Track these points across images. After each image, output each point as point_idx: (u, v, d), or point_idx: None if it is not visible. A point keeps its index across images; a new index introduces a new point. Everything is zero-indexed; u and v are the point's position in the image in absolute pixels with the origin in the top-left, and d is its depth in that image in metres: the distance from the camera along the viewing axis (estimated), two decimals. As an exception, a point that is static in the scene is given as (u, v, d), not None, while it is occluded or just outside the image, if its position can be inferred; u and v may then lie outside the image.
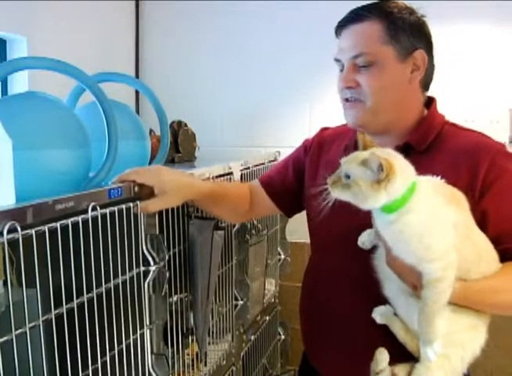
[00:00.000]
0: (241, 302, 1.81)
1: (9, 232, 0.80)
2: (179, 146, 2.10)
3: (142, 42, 2.94)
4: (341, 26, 1.24)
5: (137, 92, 2.76)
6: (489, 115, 2.62)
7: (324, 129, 1.47)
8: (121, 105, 1.38)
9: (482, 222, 1.10)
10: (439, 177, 1.07)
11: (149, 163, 1.43)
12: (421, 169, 1.05)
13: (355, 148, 1.17)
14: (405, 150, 1.18)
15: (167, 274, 1.22)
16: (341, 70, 1.24)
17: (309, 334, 1.39)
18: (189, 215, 1.42)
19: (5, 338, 0.82)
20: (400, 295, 1.12)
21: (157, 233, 1.24)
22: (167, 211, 1.33)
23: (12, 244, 0.82)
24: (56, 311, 0.93)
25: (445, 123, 1.26)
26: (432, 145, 1.20)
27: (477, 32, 2.61)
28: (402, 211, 0.99)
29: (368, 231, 1.14)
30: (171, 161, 2.03)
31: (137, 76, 2.89)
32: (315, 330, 1.35)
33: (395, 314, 1.15)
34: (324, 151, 1.39)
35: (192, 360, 1.50)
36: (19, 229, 0.82)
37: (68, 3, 2.29)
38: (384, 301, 1.15)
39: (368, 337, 1.19)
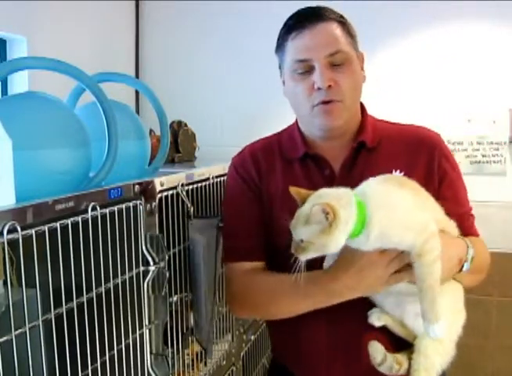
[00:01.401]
0: (241, 302, 1.81)
1: (8, 232, 0.80)
2: (179, 146, 2.10)
3: (142, 42, 2.94)
4: (298, 26, 1.19)
5: (137, 92, 2.76)
6: (489, 115, 2.62)
7: (249, 153, 1.34)
8: (121, 105, 1.38)
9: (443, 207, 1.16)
10: (399, 172, 1.17)
11: (149, 163, 1.43)
12: (375, 165, 1.19)
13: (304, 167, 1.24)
14: (358, 149, 1.24)
15: (167, 274, 1.22)
16: (301, 73, 1.19)
17: (280, 333, 1.37)
18: (188, 215, 1.42)
19: (5, 338, 0.82)
20: (388, 296, 1.13)
21: (157, 233, 1.24)
22: (167, 211, 1.33)
23: (12, 244, 0.82)
24: (56, 311, 0.93)
25: (375, 120, 1.31)
26: (378, 141, 1.26)
27: (477, 32, 2.61)
28: (368, 226, 1.01)
29: (330, 256, 1.13)
30: (171, 161, 2.03)
31: (137, 76, 2.89)
32: (286, 331, 1.32)
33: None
34: (266, 172, 1.29)
35: (192, 360, 1.50)
36: (19, 229, 0.82)
37: (68, 3, 2.29)
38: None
39: (344, 335, 1.21)
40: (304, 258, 1.03)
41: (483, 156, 2.64)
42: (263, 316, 1.28)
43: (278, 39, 1.25)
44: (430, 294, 1.02)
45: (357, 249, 1.06)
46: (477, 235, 1.28)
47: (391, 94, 2.64)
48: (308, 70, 1.18)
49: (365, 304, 1.17)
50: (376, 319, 1.16)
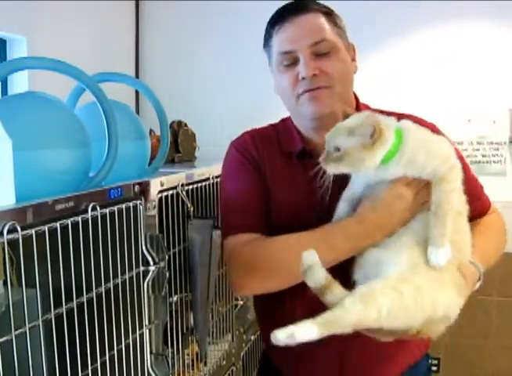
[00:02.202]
0: (241, 302, 1.81)
1: (8, 232, 0.80)
2: (179, 146, 2.10)
3: (142, 42, 2.94)
4: (281, 19, 1.20)
5: (137, 92, 2.76)
6: (489, 115, 2.62)
7: (249, 136, 1.32)
8: (121, 105, 1.38)
9: None
10: None
11: (149, 163, 1.43)
12: None
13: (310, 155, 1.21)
14: None
15: (167, 274, 1.22)
16: (289, 65, 1.19)
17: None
18: (188, 215, 1.42)
19: (5, 338, 0.82)
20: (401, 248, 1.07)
21: (157, 233, 1.24)
22: (167, 211, 1.33)
23: (12, 244, 0.82)
24: (56, 311, 0.93)
25: (371, 109, 1.29)
26: None
27: (477, 32, 2.61)
28: (400, 155, 1.03)
29: (341, 205, 1.12)
30: (171, 161, 2.03)
31: (137, 76, 2.89)
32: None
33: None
34: (265, 158, 1.27)
35: (192, 360, 1.50)
36: (19, 229, 0.82)
37: (68, 3, 2.29)
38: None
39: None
40: (333, 170, 1.03)
41: (483, 156, 2.64)
42: (274, 285, 1.14)
43: (264, 35, 1.26)
44: (442, 219, 1.01)
45: (376, 193, 1.07)
46: (488, 206, 1.32)
47: (390, 94, 2.64)
48: (294, 61, 1.18)
49: None
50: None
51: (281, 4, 1.28)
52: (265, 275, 1.15)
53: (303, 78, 1.17)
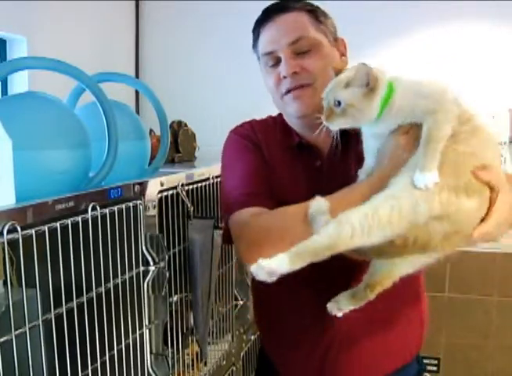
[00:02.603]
0: (241, 302, 1.81)
1: (8, 232, 0.80)
2: (179, 146, 2.10)
3: (142, 42, 2.94)
4: (265, 20, 1.21)
5: (137, 92, 2.76)
6: (489, 115, 2.62)
7: (249, 125, 1.34)
8: (121, 105, 1.38)
9: None
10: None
11: (149, 163, 1.43)
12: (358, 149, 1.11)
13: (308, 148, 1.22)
14: (345, 134, 1.16)
15: (167, 274, 1.22)
16: (272, 65, 1.20)
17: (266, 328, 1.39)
18: (188, 215, 1.42)
19: (5, 338, 0.82)
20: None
21: (157, 233, 1.24)
22: (167, 211, 1.33)
23: (12, 244, 0.82)
24: (56, 311, 0.93)
25: None
26: None
27: (477, 32, 2.61)
28: (391, 104, 1.00)
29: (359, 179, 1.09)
30: (171, 161, 2.03)
31: (137, 76, 2.89)
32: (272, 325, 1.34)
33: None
34: (265, 146, 1.28)
35: (192, 360, 1.50)
36: (19, 229, 0.82)
37: (68, 3, 2.29)
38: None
39: (326, 329, 1.20)
40: (336, 126, 1.01)
41: (483, 156, 2.64)
42: (287, 249, 1.12)
43: (252, 35, 1.27)
44: (433, 146, 0.96)
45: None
46: None
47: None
48: (277, 61, 1.19)
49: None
50: (335, 310, 1.09)
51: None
52: (280, 240, 1.06)
53: (284, 77, 1.18)
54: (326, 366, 1.25)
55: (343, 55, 1.25)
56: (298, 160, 1.24)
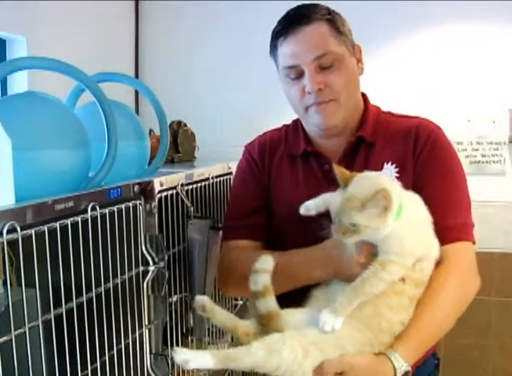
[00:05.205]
0: (241, 302, 1.81)
1: (8, 232, 0.80)
2: (179, 146, 2.10)
3: (141, 42, 2.93)
4: (285, 31, 1.20)
5: (137, 92, 2.76)
6: (489, 115, 2.62)
7: (258, 143, 1.39)
8: (121, 105, 1.38)
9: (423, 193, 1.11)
10: (391, 164, 1.20)
11: (149, 163, 1.43)
12: (373, 158, 1.22)
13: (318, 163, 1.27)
14: (357, 143, 1.25)
15: (167, 274, 1.22)
16: (294, 78, 1.21)
17: None
18: (188, 215, 1.42)
19: (5, 338, 0.82)
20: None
21: (157, 233, 1.24)
22: (166, 211, 1.33)
23: (12, 243, 0.82)
24: (56, 311, 0.93)
25: (380, 112, 1.32)
26: (378, 134, 1.26)
27: (477, 32, 2.60)
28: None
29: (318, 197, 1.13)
30: (170, 161, 2.03)
31: (137, 76, 2.89)
32: None
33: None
34: (272, 164, 1.34)
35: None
36: (18, 229, 0.82)
37: (68, 3, 2.29)
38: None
39: None
40: (352, 241, 1.04)
41: (483, 156, 2.63)
42: (246, 294, 1.17)
43: (270, 43, 1.27)
44: (355, 295, 1.01)
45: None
46: (459, 233, 1.17)
47: (390, 94, 2.64)
48: (299, 74, 1.20)
49: None
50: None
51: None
52: (237, 283, 1.24)
53: (309, 93, 1.20)
54: None
55: (359, 61, 1.27)
56: (300, 167, 1.30)
